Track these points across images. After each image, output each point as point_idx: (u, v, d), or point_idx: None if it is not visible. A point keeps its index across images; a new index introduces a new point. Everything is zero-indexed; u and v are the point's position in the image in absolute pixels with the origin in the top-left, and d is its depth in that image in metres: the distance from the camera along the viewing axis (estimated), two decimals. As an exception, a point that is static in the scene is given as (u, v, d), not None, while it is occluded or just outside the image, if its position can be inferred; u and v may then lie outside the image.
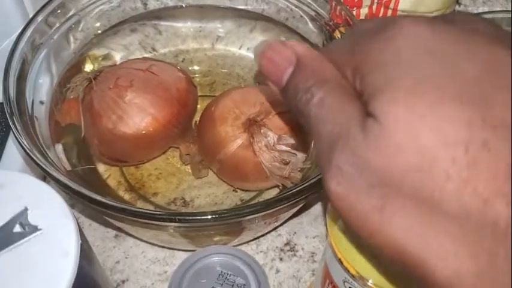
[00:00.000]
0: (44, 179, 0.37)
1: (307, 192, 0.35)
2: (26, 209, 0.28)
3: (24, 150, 0.35)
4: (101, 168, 0.45)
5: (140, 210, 0.32)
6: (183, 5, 0.52)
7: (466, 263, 0.17)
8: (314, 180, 0.35)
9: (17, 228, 0.27)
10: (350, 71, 0.21)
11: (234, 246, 0.44)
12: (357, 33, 0.22)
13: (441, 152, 0.17)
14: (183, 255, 0.43)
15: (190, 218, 0.32)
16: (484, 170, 0.17)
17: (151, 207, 0.43)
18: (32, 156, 0.34)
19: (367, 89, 0.19)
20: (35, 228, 0.27)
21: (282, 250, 0.45)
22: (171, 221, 0.32)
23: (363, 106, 0.19)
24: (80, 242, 0.27)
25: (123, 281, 0.42)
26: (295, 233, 0.46)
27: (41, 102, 0.45)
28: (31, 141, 0.36)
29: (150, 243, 0.44)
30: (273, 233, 0.45)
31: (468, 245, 0.17)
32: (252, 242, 0.45)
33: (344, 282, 0.30)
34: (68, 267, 0.26)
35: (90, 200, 0.33)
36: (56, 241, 0.27)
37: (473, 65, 0.18)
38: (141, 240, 0.44)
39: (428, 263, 0.18)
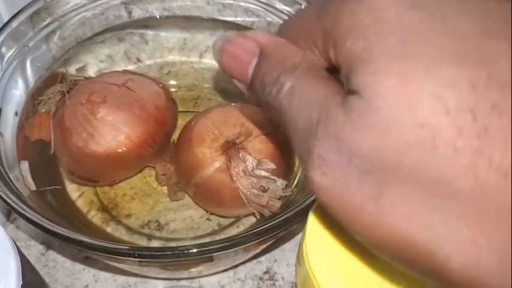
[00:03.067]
0: None
1: (288, 224, 0.32)
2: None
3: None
4: (74, 186, 0.43)
5: (97, 243, 0.29)
6: (169, 15, 0.50)
7: (487, 249, 0.15)
8: (300, 208, 0.33)
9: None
10: (320, 40, 0.18)
11: (210, 274, 0.42)
12: None
13: (443, 123, 0.14)
14: (155, 282, 0.41)
15: (150, 253, 0.29)
16: (499, 138, 0.14)
17: (123, 231, 0.41)
18: None
19: (345, 59, 0.16)
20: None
21: (260, 279, 0.42)
22: (129, 256, 0.29)
23: (341, 84, 0.17)
24: (21, 283, 0.25)
25: (90, 308, 0.40)
26: (275, 260, 0.43)
27: (16, 114, 0.42)
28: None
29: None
30: (252, 259, 0.43)
31: (487, 228, 0.15)
32: (230, 269, 0.42)
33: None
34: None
35: (46, 230, 0.30)
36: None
37: (466, 16, 0.15)
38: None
39: (440, 253, 0.15)
